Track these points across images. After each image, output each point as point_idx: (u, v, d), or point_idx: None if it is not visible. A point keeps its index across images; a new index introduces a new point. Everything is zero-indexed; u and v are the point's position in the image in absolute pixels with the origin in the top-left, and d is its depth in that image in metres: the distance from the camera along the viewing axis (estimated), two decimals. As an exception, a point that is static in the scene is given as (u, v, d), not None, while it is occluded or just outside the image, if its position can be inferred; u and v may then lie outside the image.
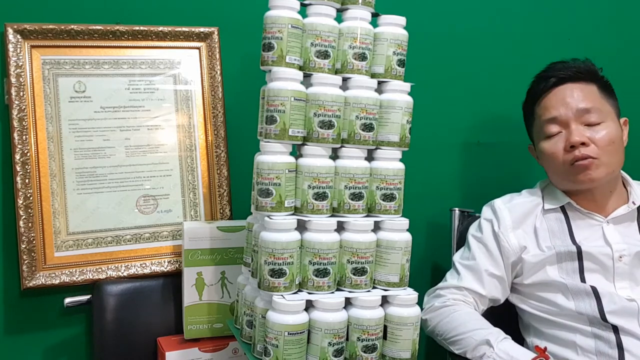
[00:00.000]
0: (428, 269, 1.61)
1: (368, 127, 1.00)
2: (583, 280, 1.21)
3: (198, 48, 1.35)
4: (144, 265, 1.28)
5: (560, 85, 1.26)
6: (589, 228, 1.26)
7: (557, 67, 1.29)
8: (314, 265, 0.97)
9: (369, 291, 1.00)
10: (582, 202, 1.27)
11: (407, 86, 1.04)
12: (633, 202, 1.26)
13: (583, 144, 1.21)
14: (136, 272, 1.27)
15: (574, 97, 1.24)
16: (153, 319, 1.26)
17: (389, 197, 1.02)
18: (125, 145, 1.29)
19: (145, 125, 1.31)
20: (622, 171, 1.30)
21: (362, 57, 1.02)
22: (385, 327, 0.99)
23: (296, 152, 1.03)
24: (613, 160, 1.23)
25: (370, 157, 1.04)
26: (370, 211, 1.03)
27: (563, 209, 1.28)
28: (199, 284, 1.21)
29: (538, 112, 1.29)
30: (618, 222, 1.26)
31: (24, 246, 1.20)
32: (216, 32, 1.36)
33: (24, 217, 1.21)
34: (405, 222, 1.02)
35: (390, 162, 1.03)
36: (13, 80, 1.21)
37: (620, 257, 1.21)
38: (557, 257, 1.23)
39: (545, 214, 1.28)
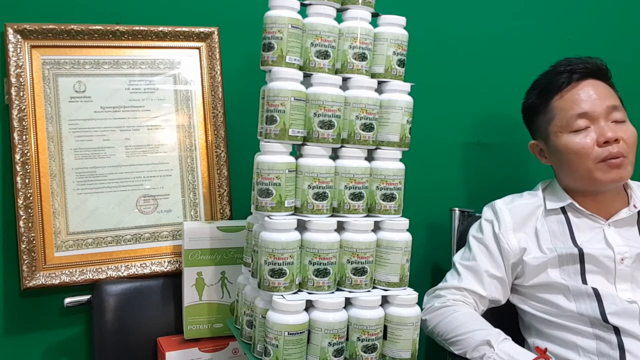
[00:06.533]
0: (428, 269, 1.60)
1: (368, 127, 1.00)
2: (584, 282, 1.21)
3: (198, 48, 1.35)
4: (144, 265, 1.28)
5: (585, 80, 1.24)
6: (590, 230, 1.25)
7: (575, 62, 1.25)
8: (314, 265, 0.97)
9: (369, 291, 1.00)
10: (585, 203, 1.26)
11: (407, 86, 1.04)
12: (634, 206, 1.26)
13: (616, 140, 1.19)
14: (136, 272, 1.27)
15: (601, 93, 1.22)
16: (153, 319, 1.25)
17: (389, 197, 1.02)
18: (125, 145, 1.29)
19: (145, 125, 1.31)
20: None
21: (362, 57, 1.01)
22: (385, 327, 0.99)
23: (296, 152, 1.03)
24: (634, 159, 1.22)
25: (370, 157, 1.04)
26: (370, 211, 1.03)
27: (564, 210, 1.28)
28: (199, 284, 1.21)
29: (560, 105, 1.24)
30: (619, 225, 1.26)
31: (24, 246, 1.20)
32: (216, 32, 1.36)
33: (24, 217, 1.21)
34: (405, 222, 1.02)
35: (390, 162, 1.02)
36: (13, 80, 1.21)
37: (622, 259, 1.21)
38: (558, 259, 1.23)
39: (546, 215, 1.28)
